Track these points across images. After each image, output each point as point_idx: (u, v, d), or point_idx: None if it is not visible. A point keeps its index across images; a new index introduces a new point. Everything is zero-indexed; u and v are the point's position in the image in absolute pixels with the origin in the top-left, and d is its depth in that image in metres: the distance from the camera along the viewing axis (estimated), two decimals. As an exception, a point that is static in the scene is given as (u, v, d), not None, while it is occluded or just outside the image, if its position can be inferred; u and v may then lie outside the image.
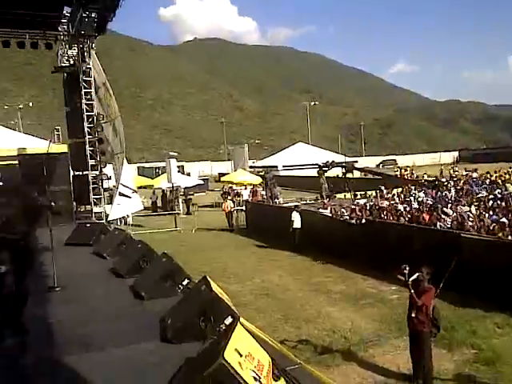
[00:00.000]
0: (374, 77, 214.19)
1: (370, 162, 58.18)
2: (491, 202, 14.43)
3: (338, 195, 21.92)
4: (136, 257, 6.30)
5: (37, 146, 19.74)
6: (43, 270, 6.97)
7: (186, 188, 25.46)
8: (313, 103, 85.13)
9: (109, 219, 13.94)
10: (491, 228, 10.44)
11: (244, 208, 19.43)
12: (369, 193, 22.76)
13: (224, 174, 35.42)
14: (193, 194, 26.87)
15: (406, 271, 5.49)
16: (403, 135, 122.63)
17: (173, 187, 21.52)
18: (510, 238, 9.52)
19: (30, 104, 64.27)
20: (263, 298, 9.55)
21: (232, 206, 19.79)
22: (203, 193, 32.12)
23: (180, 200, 23.34)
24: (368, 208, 15.08)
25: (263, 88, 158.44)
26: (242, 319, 3.67)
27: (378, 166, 59.40)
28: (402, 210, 13.50)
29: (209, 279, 4.72)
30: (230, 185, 26.88)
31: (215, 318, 4.29)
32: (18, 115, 51.33)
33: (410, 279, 5.46)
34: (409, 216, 13.01)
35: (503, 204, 13.71)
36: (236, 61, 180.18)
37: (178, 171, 26.82)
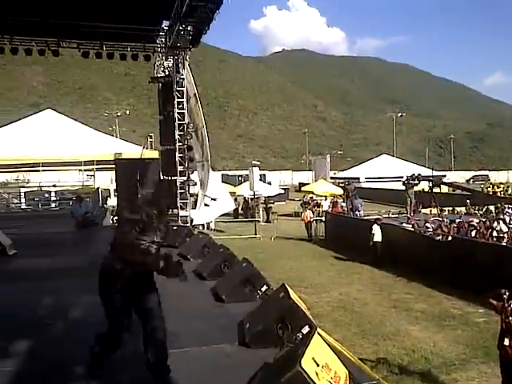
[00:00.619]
0: (466, 88, 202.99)
1: (459, 176, 55.02)
2: None
3: (424, 210, 21.02)
4: (218, 260, 6.54)
5: (131, 151, 21.23)
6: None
7: (266, 196, 25.82)
8: (400, 114, 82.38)
9: (193, 223, 14.54)
10: None
11: (324, 219, 19.28)
12: (457, 209, 21.60)
13: (304, 184, 35.45)
14: (273, 203, 27.15)
15: (506, 296, 5.12)
16: (497, 150, 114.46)
17: (254, 195, 21.92)
18: None
19: (127, 112, 68.81)
20: (340, 311, 9.41)
21: (311, 216, 19.73)
22: (283, 202, 32.33)
23: (260, 208, 23.69)
24: (456, 225, 14.34)
25: (348, 99, 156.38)
26: (319, 329, 3.68)
27: (468, 181, 56.06)
28: (497, 229, 12.66)
29: (287, 287, 4.79)
30: (311, 195, 26.82)
31: (292, 326, 4.32)
32: (116, 122, 55.15)
33: (506, 302, 5.08)
34: (502, 236, 12.18)
35: None
36: (322, 72, 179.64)
37: (260, 180, 27.31)
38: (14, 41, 12.99)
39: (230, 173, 52.50)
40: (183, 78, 13.84)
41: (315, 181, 31.23)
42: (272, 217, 23.91)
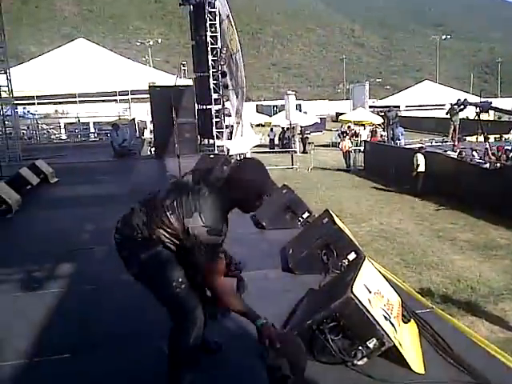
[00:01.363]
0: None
1: (507, 103, 51.93)
2: None
3: (469, 138, 20.05)
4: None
5: (165, 80, 20.84)
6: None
7: (303, 126, 25.19)
8: (443, 37, 77.25)
9: (230, 154, 14.34)
10: None
11: (362, 148, 18.71)
12: (505, 136, 20.53)
13: (342, 114, 34.33)
14: (310, 133, 26.54)
15: None
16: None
17: (290, 125, 21.38)
18: None
19: (159, 41, 67.35)
20: (381, 240, 9.24)
21: (350, 145, 19.19)
22: (320, 132, 31.60)
23: (297, 138, 23.21)
24: (504, 151, 13.60)
25: (388, 23, 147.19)
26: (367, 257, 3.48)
27: (516, 108, 52.94)
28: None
29: (331, 212, 4.57)
30: (349, 124, 26.00)
31: (338, 252, 4.16)
32: (148, 52, 54.24)
33: None
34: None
35: None
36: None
37: (296, 109, 26.56)
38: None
39: (264, 103, 51.51)
40: (215, -1, 13.03)
41: (353, 110, 30.14)
42: (309, 147, 23.43)
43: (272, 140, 25.67)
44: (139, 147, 15.12)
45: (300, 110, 31.82)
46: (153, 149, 14.29)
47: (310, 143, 24.03)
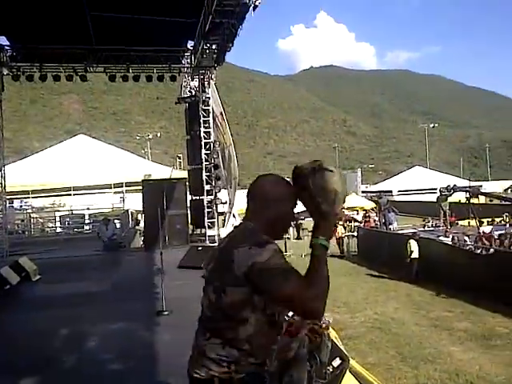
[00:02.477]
0: (500, 96, 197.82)
1: (496, 186, 53.04)
2: None
3: (461, 222, 20.19)
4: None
5: (161, 172, 21.41)
6: (153, 293, 7.23)
7: (297, 212, 25.42)
8: (432, 125, 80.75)
9: (222, 242, 14.32)
10: None
11: (356, 234, 18.75)
12: (497, 220, 20.68)
13: (336, 200, 34.89)
14: (304, 219, 26.72)
15: None
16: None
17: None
18: None
19: (158, 134, 70.10)
20: (376, 332, 8.90)
21: (343, 231, 19.24)
22: (315, 218, 31.83)
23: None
24: (497, 237, 13.62)
25: (378, 112, 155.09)
26: (352, 361, 3.35)
27: (505, 190, 53.89)
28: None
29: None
30: (342, 210, 26.35)
31: (321, 359, 3.97)
32: (147, 145, 56.25)
33: None
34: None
35: None
36: (352, 87, 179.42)
37: (290, 196, 26.94)
38: (43, 68, 13.29)
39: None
40: (209, 97, 13.82)
41: (346, 195, 30.66)
42: (302, 233, 23.46)
43: (267, 227, 25.79)
44: (130, 239, 15.11)
45: (295, 197, 32.39)
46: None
47: (303, 229, 24.06)
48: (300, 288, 1.62)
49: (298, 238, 23.36)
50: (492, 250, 11.86)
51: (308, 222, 27.31)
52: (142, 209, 13.90)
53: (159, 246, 10.03)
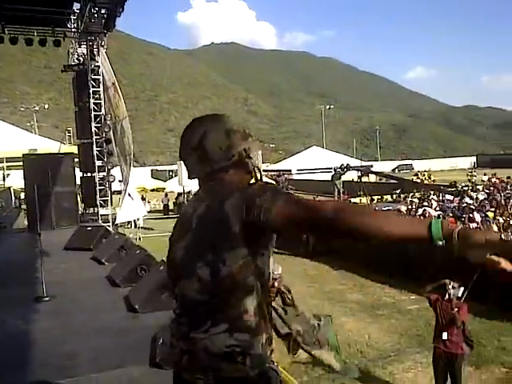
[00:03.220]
0: (390, 82, 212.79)
1: (385, 166, 57.23)
2: (516, 207, 13.73)
3: (353, 199, 21.26)
4: (133, 264, 5.78)
5: (50, 147, 19.62)
6: (34, 277, 6.50)
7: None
8: (328, 107, 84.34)
9: (116, 222, 13.57)
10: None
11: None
12: (385, 197, 22.12)
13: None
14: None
15: (451, 286, 4.86)
16: (419, 140, 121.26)
17: (184, 190, 21.09)
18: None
19: (46, 106, 64.69)
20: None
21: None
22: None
23: (191, 203, 22.89)
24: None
25: (278, 92, 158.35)
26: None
27: (393, 170, 58.36)
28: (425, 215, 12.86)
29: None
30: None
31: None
32: (34, 117, 51.66)
33: (453, 294, 4.83)
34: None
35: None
36: (252, 65, 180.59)
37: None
38: None
39: (159, 168, 50.97)
40: (98, 66, 12.77)
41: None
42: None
43: (166, 205, 25.11)
44: (13, 219, 13.71)
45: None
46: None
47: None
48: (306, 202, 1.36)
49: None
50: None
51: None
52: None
53: (45, 226, 9.15)
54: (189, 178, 1.63)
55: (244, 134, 1.60)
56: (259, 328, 1.44)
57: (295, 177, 38.65)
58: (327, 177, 28.26)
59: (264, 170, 37.64)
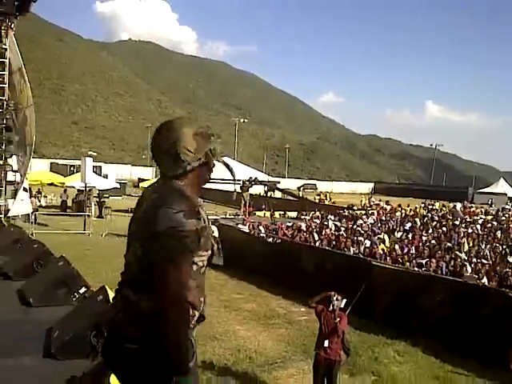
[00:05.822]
0: (303, 103, 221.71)
1: (291, 183, 59.52)
2: (400, 233, 15.17)
3: (258, 213, 21.98)
4: (30, 258, 5.59)
5: None
6: None
7: (100, 190, 24.19)
8: (242, 120, 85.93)
9: (9, 214, 12.75)
10: (399, 259, 10.86)
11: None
12: (288, 213, 23.12)
13: (144, 180, 34.29)
14: (108, 197, 25.60)
15: (335, 298, 5.35)
16: (325, 162, 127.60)
17: (86, 187, 20.28)
18: (416, 268, 9.94)
19: None
20: (170, 312, 9.05)
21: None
22: (119, 196, 30.76)
23: (93, 202, 22.08)
24: (286, 228, 15.20)
25: (194, 99, 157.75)
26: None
27: (299, 188, 60.81)
28: (316, 236, 13.71)
29: (108, 289, 4.25)
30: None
31: (109, 335, 3.81)
32: None
33: (336, 305, 5.33)
34: (325, 240, 13.24)
35: (410, 236, 14.46)
36: (170, 68, 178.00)
37: (95, 171, 25.49)
38: None
39: (60, 161, 48.16)
40: (5, 49, 11.99)
41: (156, 177, 30.40)
42: (105, 212, 22.46)
43: (64, 202, 23.90)
44: None
45: (100, 173, 30.67)
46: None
47: (107, 208, 23.07)
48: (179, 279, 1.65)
49: (100, 216, 22.25)
50: (279, 240, 13.17)
51: (112, 201, 26.27)
52: None
53: None
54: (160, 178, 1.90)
55: (208, 136, 1.90)
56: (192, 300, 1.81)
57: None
58: (233, 188, 28.80)
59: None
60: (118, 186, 27.72)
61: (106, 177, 31.50)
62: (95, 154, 46.82)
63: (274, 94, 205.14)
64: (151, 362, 1.69)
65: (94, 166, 22.24)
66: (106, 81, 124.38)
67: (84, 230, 17.94)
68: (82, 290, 4.99)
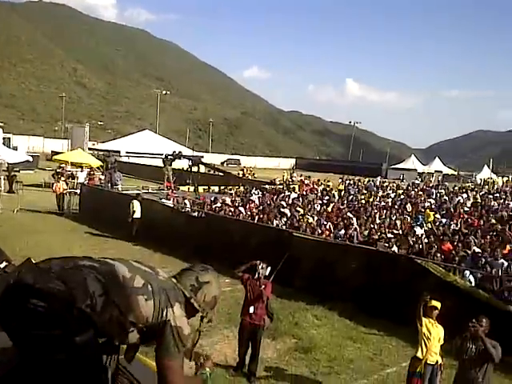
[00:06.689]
0: (226, 77, 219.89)
1: (215, 158, 59.54)
2: (319, 206, 15.88)
3: (182, 187, 21.83)
4: None
5: None
6: None
7: (11, 163, 22.62)
8: (164, 92, 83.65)
9: None
10: (319, 230, 11.42)
11: (78, 191, 17.99)
12: (212, 188, 23.21)
13: (58, 153, 32.48)
14: (18, 171, 24.03)
15: (260, 266, 5.58)
16: (248, 137, 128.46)
17: (-5, 161, 18.89)
18: (333, 239, 10.54)
19: None
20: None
21: (65, 187, 18.17)
22: (31, 170, 28.98)
23: (2, 176, 20.64)
24: (210, 202, 15.29)
25: (113, 68, 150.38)
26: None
27: (222, 163, 61.07)
28: (242, 209, 13.97)
29: (33, 262, 4.11)
30: (64, 165, 24.73)
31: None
32: None
33: (261, 273, 5.58)
34: (249, 213, 13.54)
35: (329, 209, 15.21)
36: (86, 34, 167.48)
37: (4, 144, 23.75)
38: None
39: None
40: None
41: (71, 150, 28.93)
42: (16, 186, 21.07)
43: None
44: None
45: (9, 145, 28.56)
46: None
47: (18, 182, 21.65)
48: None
49: (11, 191, 20.86)
50: (204, 214, 13.26)
51: (23, 175, 24.69)
52: None
53: None
54: None
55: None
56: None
57: (124, 159, 37.58)
58: (157, 163, 28.32)
59: (90, 148, 35.72)
60: (29, 158, 26.03)
61: (15, 149, 29.40)
62: (2, 124, 43.41)
63: (196, 65, 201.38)
64: (62, 322, 1.61)
65: (2, 138, 20.72)
66: (15, 45, 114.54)
67: (-6, 205, 16.80)
68: (3, 265, 4.75)
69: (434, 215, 14.68)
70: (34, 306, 1.59)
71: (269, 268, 5.77)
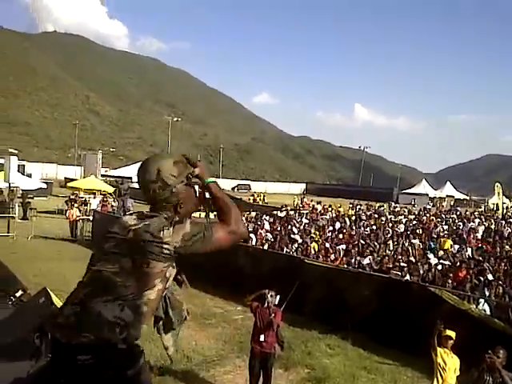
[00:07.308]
0: (236, 103, 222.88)
1: (226, 184, 59.82)
2: (331, 233, 15.84)
3: (194, 213, 21.91)
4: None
5: None
6: None
7: (25, 190, 22.98)
8: (175, 119, 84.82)
9: None
10: (331, 257, 11.39)
11: (91, 218, 18.17)
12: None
13: (72, 180, 32.94)
14: (32, 198, 24.38)
15: (269, 296, 5.61)
16: (258, 162, 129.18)
17: (10, 187, 19.20)
18: (345, 266, 10.49)
19: None
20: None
21: (78, 214, 18.39)
22: (45, 197, 29.37)
23: (17, 203, 20.95)
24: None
25: (125, 96, 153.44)
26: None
27: (233, 189, 61.34)
28: (253, 236, 13.97)
29: (49, 291, 4.21)
30: (78, 191, 25.06)
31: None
32: None
33: (270, 302, 5.60)
34: (260, 240, 13.55)
35: (340, 236, 15.16)
36: (99, 63, 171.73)
37: (18, 171, 24.18)
38: None
39: (-21, 160, 44.94)
40: None
41: (84, 177, 29.36)
42: (30, 213, 21.35)
43: (-15, 203, 22.42)
44: None
45: (23, 172, 29.06)
46: None
47: (32, 209, 21.95)
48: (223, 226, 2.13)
49: (25, 218, 21.13)
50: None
51: (37, 201, 25.02)
52: None
53: None
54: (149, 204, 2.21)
55: (186, 162, 2.18)
56: (146, 315, 1.99)
57: (136, 185, 37.93)
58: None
59: (103, 175, 36.19)
60: (43, 185, 26.45)
61: (29, 176, 29.90)
62: (16, 151, 44.25)
63: (207, 92, 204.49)
64: (104, 373, 1.82)
65: (17, 165, 21.10)
66: (30, 74, 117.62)
67: (8, 232, 17.00)
68: (19, 294, 4.84)
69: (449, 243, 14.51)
70: (82, 361, 1.80)
71: (278, 296, 5.79)
